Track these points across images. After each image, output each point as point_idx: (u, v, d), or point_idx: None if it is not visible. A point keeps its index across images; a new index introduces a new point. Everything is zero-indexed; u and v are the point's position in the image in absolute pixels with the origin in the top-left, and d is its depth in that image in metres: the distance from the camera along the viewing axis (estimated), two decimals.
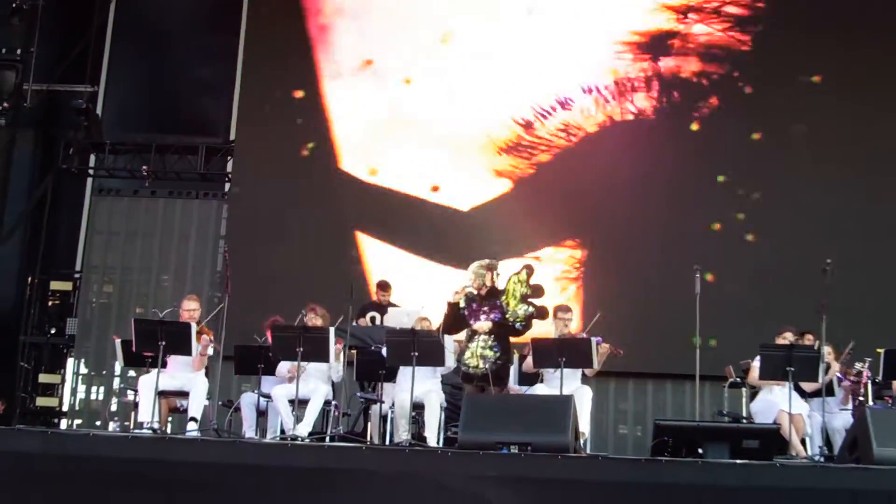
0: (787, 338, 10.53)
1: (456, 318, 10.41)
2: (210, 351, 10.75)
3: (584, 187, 14.53)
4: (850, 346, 11.05)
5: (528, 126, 14.71)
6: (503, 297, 10.35)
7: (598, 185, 14.54)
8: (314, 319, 10.76)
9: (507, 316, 10.29)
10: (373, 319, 12.34)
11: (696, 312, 10.64)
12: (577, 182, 14.52)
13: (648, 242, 14.26)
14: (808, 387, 10.49)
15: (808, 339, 10.94)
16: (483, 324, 10.29)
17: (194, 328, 10.42)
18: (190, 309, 10.81)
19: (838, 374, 10.83)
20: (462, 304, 10.43)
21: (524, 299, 10.35)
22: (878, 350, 10.58)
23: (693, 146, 14.62)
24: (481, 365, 10.16)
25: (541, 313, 10.49)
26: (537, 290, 10.47)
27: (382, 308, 12.47)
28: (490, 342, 10.24)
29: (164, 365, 10.42)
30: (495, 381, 10.17)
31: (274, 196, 15.00)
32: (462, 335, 10.53)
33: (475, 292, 10.43)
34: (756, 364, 10.40)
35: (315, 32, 15.46)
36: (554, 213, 14.48)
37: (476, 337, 10.30)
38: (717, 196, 14.41)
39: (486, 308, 10.33)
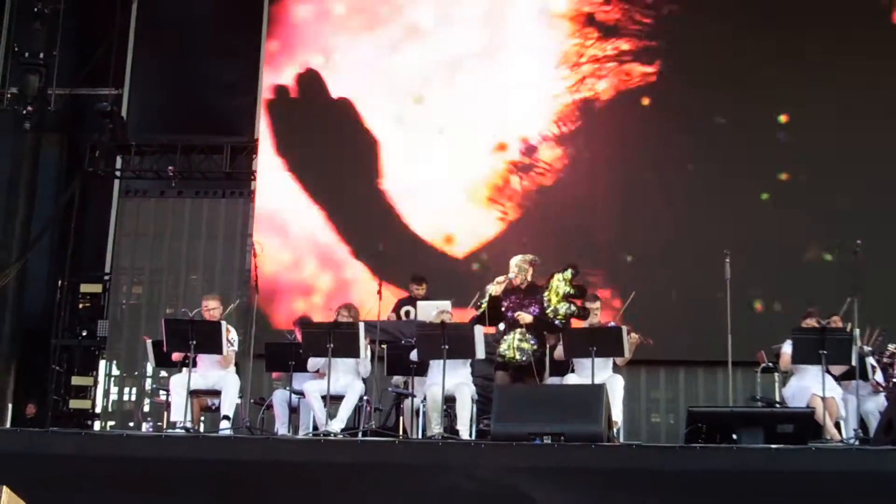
0: (809, 323, 10.46)
1: (495, 310, 10.43)
2: (235, 346, 10.74)
3: (593, 192, 14.63)
4: (878, 330, 11.00)
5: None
6: (546, 293, 10.37)
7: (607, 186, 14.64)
8: (346, 318, 10.75)
9: (548, 311, 10.28)
10: (407, 314, 12.33)
11: (727, 297, 10.62)
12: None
13: (676, 230, 14.23)
14: (835, 370, 10.43)
15: (836, 322, 10.84)
16: (525, 316, 10.29)
17: (224, 327, 10.43)
18: (211, 308, 10.83)
19: (873, 362, 10.74)
20: (502, 296, 10.44)
21: (567, 298, 10.35)
22: None
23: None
24: (518, 356, 10.17)
25: (583, 314, 10.51)
26: (581, 291, 10.49)
27: (416, 302, 12.41)
28: (527, 335, 10.25)
29: (195, 364, 10.44)
30: (533, 372, 10.19)
31: (299, 193, 15.05)
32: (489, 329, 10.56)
33: (515, 285, 10.45)
34: (787, 349, 10.35)
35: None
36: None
37: (513, 330, 10.30)
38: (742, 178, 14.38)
39: (526, 302, 10.36)
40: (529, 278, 10.49)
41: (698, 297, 13.35)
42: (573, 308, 10.37)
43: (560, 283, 10.37)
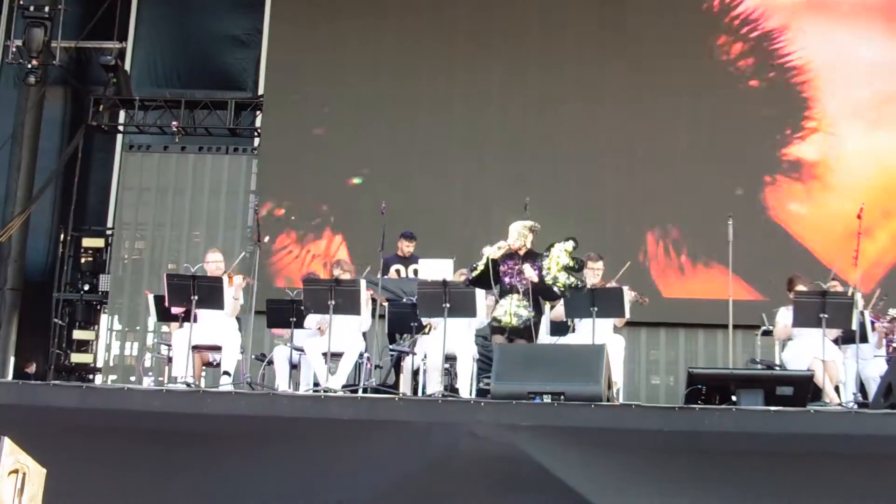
0: (801, 287, 10.43)
1: (492, 273, 10.33)
2: (241, 296, 10.77)
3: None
4: (878, 293, 11.01)
5: None
6: (546, 262, 10.30)
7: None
8: (341, 275, 10.73)
9: (548, 279, 10.24)
10: (398, 272, 12.24)
11: (729, 260, 10.62)
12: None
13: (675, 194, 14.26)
14: (830, 333, 10.43)
15: (834, 286, 10.82)
16: (530, 271, 10.22)
17: (226, 282, 10.43)
18: (215, 261, 10.83)
19: (871, 319, 10.75)
20: (500, 260, 10.39)
21: (566, 269, 10.29)
22: None
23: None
24: (514, 321, 10.17)
25: (582, 289, 10.38)
26: (580, 264, 10.38)
27: (407, 260, 12.34)
28: (523, 301, 10.22)
29: (196, 319, 10.45)
30: (527, 335, 10.16)
31: (303, 149, 15.04)
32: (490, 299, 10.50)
33: (514, 250, 10.39)
34: (781, 318, 10.37)
35: None
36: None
37: (510, 295, 10.29)
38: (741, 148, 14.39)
39: (523, 267, 10.30)
40: (529, 245, 10.40)
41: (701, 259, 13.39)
42: (572, 279, 10.26)
43: (561, 254, 10.28)
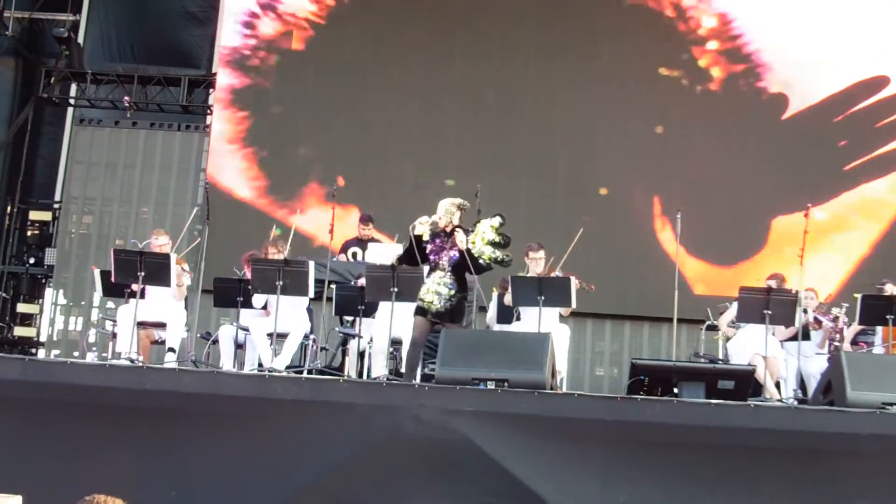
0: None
1: (417, 251, 10.10)
2: (186, 280, 10.73)
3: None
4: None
5: None
6: (471, 236, 10.02)
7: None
8: (276, 254, 10.64)
9: (474, 252, 9.95)
10: (354, 255, 12.20)
11: (676, 255, 10.72)
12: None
13: (624, 183, 14.35)
14: (780, 334, 10.57)
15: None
16: (462, 238, 9.90)
17: (174, 259, 10.38)
18: (161, 244, 10.74)
19: (815, 316, 10.89)
20: (426, 238, 10.12)
21: (492, 244, 10.08)
22: (855, 295, 10.63)
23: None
24: (435, 301, 9.96)
25: (507, 263, 10.15)
26: (507, 240, 10.09)
27: (364, 243, 12.33)
28: (446, 279, 9.97)
29: (143, 296, 10.40)
30: (451, 317, 9.98)
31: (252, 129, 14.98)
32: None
33: (440, 227, 10.12)
34: (728, 313, 10.51)
35: None
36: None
37: (433, 273, 10.06)
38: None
39: (448, 245, 10.04)
40: (456, 222, 10.08)
41: (649, 252, 13.48)
42: (498, 254, 9.99)
43: (487, 229, 10.07)
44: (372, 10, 15.16)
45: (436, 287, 9.93)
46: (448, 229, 10.05)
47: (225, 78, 15.11)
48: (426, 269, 10.10)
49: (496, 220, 9.97)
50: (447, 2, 15.21)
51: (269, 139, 15.03)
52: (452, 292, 9.95)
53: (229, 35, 15.19)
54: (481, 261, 9.93)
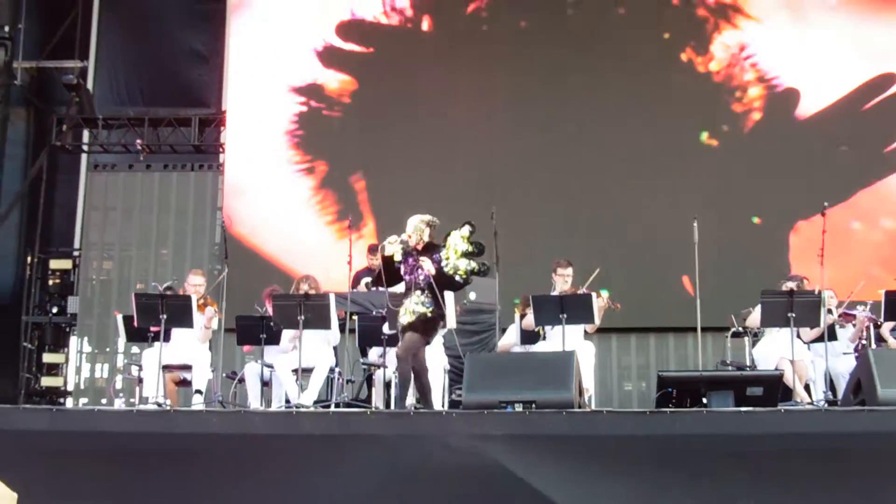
0: (788, 286, 10.49)
1: (390, 272, 9.91)
2: (214, 324, 10.75)
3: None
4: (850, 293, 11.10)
5: None
6: (443, 252, 9.78)
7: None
8: (308, 291, 10.65)
9: (448, 269, 9.72)
10: (367, 285, 12.10)
11: (696, 262, 10.67)
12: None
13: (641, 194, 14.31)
14: (805, 336, 10.50)
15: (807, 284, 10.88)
16: (428, 262, 9.70)
17: (195, 300, 10.40)
18: (196, 284, 10.80)
19: (845, 311, 10.82)
20: (398, 259, 9.90)
21: (466, 255, 9.97)
22: (879, 291, 10.56)
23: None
24: (412, 320, 9.69)
25: (484, 271, 9.97)
26: (480, 248, 9.83)
27: (375, 272, 12.26)
28: (423, 297, 9.72)
29: (167, 339, 10.41)
30: (423, 331, 9.72)
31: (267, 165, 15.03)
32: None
33: (411, 246, 9.89)
34: (755, 315, 10.42)
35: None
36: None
37: (411, 293, 9.84)
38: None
39: (422, 261, 9.79)
40: (426, 239, 9.87)
41: (669, 262, 13.43)
42: (473, 264, 9.76)
43: (458, 241, 9.77)
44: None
45: (413, 307, 9.69)
46: (419, 247, 9.87)
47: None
48: (402, 287, 9.95)
49: (465, 230, 9.73)
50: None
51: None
52: (430, 309, 9.70)
53: (236, 72, 15.28)
54: (457, 277, 9.72)
